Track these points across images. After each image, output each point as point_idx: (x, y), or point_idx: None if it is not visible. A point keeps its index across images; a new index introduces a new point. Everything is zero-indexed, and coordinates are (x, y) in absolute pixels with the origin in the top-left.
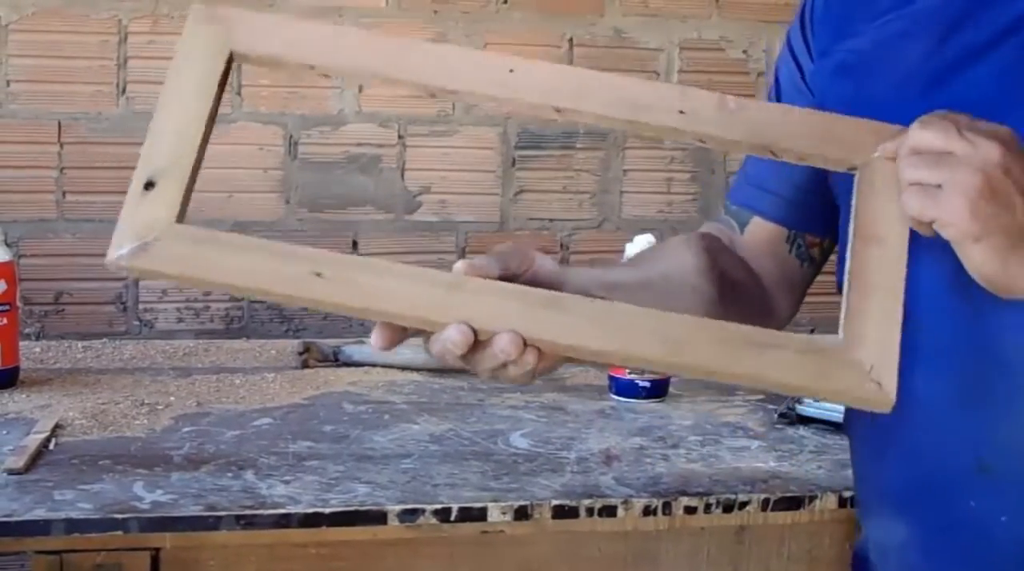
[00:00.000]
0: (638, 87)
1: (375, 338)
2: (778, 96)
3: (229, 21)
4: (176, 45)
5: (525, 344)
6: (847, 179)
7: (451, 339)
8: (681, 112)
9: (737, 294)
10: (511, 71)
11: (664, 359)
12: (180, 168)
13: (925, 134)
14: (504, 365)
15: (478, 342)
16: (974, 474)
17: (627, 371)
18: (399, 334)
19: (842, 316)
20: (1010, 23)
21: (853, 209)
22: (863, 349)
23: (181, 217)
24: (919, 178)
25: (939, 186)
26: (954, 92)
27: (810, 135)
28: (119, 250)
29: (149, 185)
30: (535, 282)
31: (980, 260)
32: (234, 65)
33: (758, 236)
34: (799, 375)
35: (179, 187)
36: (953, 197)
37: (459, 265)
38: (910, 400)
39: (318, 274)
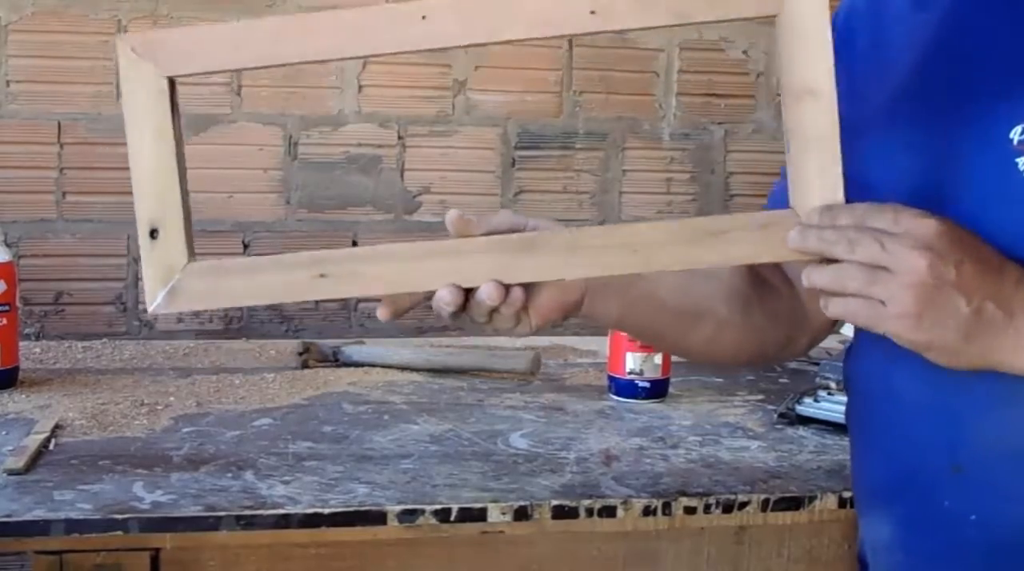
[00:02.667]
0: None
1: (380, 311)
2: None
3: (154, 48)
4: (121, 83)
5: (508, 289)
6: (856, 186)
7: (443, 299)
8: (592, 12)
9: (769, 294)
10: (423, 18)
11: (638, 268)
12: (172, 210)
13: (855, 253)
14: (495, 310)
15: (470, 296)
16: (949, 474)
17: (626, 371)
18: (401, 305)
19: (789, 180)
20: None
21: (781, 63)
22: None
23: (190, 253)
24: (858, 291)
25: (881, 302)
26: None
27: None
28: (155, 301)
29: (154, 233)
30: None
31: (936, 359)
32: (176, 85)
33: None
34: (762, 250)
35: (179, 227)
36: (894, 316)
37: (451, 214)
38: (889, 400)
39: (322, 276)
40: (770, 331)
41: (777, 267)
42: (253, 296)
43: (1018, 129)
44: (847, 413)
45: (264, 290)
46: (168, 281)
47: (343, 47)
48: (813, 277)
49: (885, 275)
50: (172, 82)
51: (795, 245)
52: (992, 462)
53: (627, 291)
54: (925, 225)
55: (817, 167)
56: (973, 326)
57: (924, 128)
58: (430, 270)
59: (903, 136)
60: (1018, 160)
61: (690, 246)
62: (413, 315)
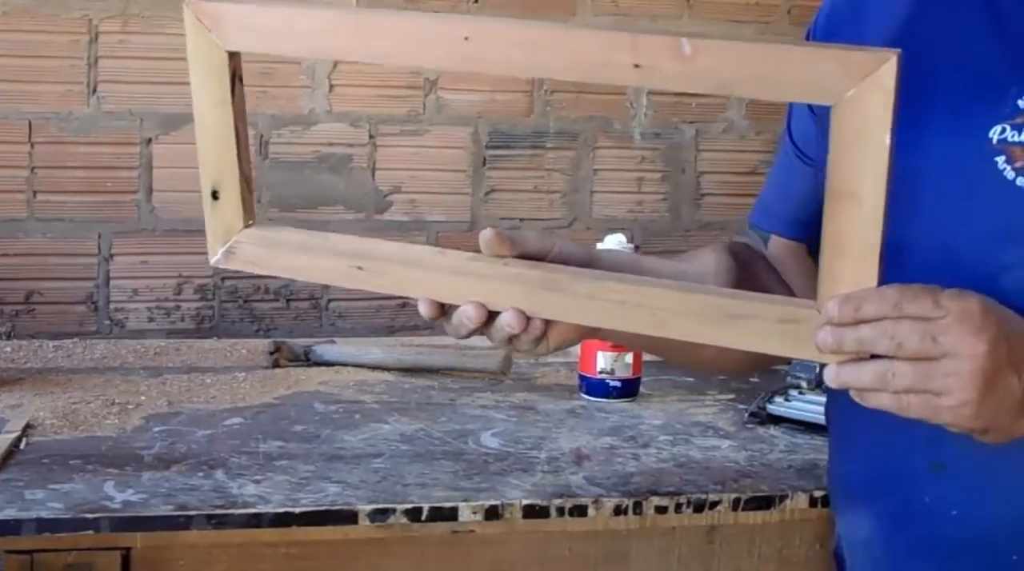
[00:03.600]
0: (591, 41)
1: (422, 308)
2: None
3: (217, 20)
4: (187, 51)
5: (529, 318)
6: None
7: (467, 315)
8: (636, 66)
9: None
10: (466, 39)
11: (652, 331)
12: (231, 175)
13: (904, 350)
14: (514, 336)
15: (492, 316)
16: (930, 472)
17: (597, 371)
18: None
19: (819, 280)
20: None
21: (829, 158)
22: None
23: (248, 217)
24: (910, 388)
25: (938, 395)
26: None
27: (775, 74)
28: (215, 255)
29: (215, 194)
30: (564, 262)
31: (990, 440)
32: (239, 57)
33: (780, 251)
34: (777, 344)
35: (236, 191)
36: (956, 407)
37: (487, 233)
38: None
39: (359, 268)
40: None
41: (775, 270)
42: (296, 272)
43: (997, 128)
44: (826, 410)
45: (306, 269)
46: (226, 241)
47: (394, 53)
48: (848, 378)
49: (940, 367)
50: (233, 55)
51: (829, 348)
52: (973, 460)
53: None
54: (969, 306)
55: (852, 278)
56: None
57: (903, 127)
58: (459, 286)
59: None
60: (997, 159)
61: (707, 323)
62: (384, 314)
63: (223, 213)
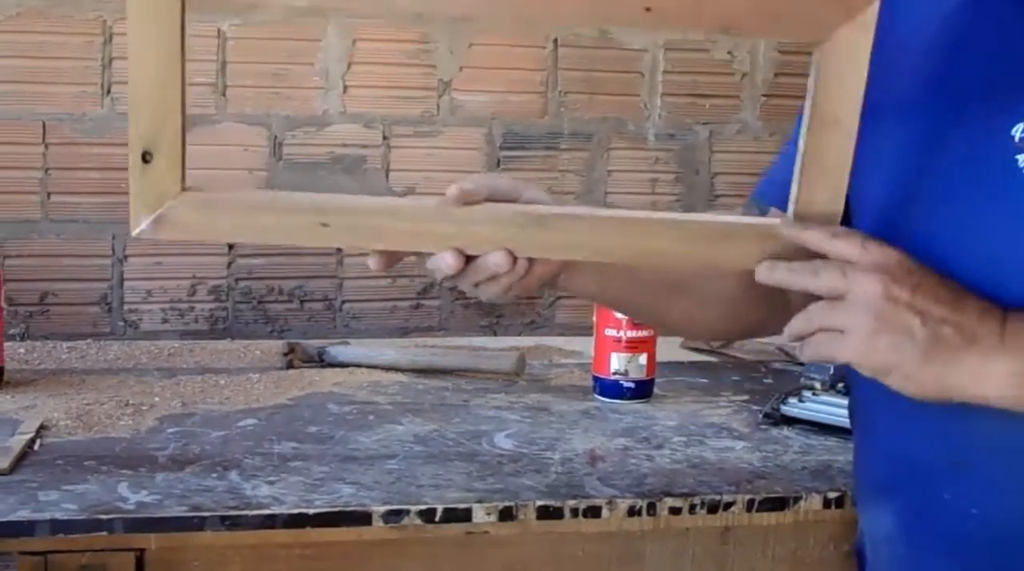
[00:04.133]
0: None
1: (372, 262)
2: None
3: None
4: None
5: (515, 258)
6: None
7: (445, 261)
8: (648, 9)
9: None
10: None
11: (636, 262)
12: (170, 134)
13: (819, 279)
14: (495, 277)
15: (469, 259)
16: (949, 468)
17: (611, 372)
18: (394, 258)
19: (793, 194)
20: None
21: (811, 87)
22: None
23: (183, 181)
24: (821, 324)
25: (842, 331)
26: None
27: (766, 12)
28: (139, 226)
29: (146, 156)
30: None
31: (897, 386)
32: (187, 11)
33: None
34: (755, 261)
35: (175, 154)
36: (852, 341)
37: (452, 189)
38: (891, 394)
39: (324, 225)
40: (746, 310)
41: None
42: (248, 234)
43: (1020, 126)
44: (850, 408)
45: (260, 230)
46: (157, 208)
47: None
48: (793, 328)
49: (842, 304)
50: (183, 4)
51: (764, 278)
52: (993, 457)
53: (605, 267)
54: (886, 253)
55: (826, 195)
56: (931, 348)
57: (928, 122)
58: (438, 233)
59: (907, 129)
60: (1018, 157)
61: (686, 248)
62: (398, 315)
63: (156, 177)
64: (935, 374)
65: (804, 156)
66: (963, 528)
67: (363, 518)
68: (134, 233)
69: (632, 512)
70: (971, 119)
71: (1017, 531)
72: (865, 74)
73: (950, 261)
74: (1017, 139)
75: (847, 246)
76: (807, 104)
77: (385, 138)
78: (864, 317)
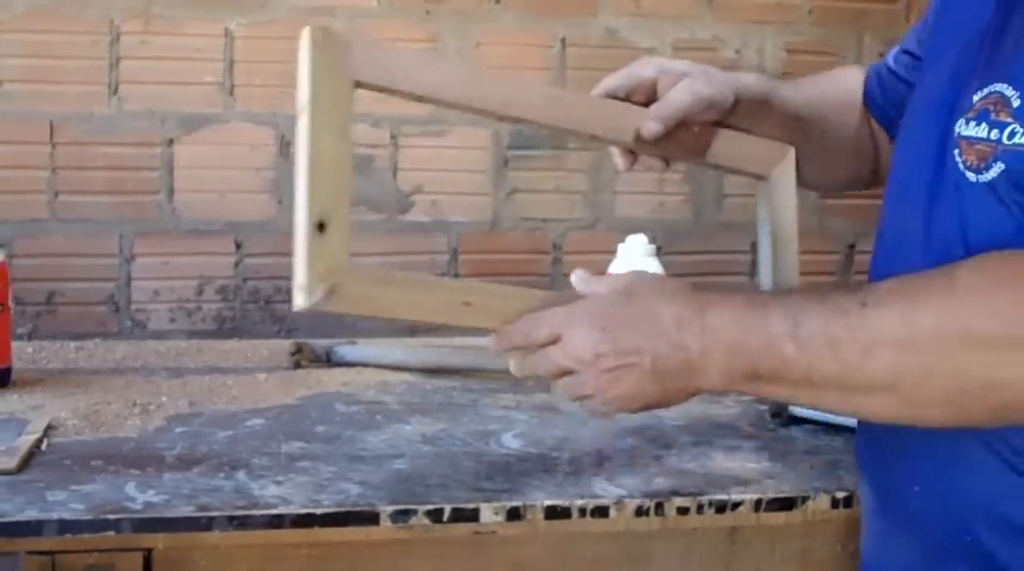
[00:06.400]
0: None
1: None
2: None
3: (349, 49)
4: (298, 69)
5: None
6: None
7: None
8: (636, 140)
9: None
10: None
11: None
12: (342, 209)
13: (541, 364)
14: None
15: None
16: (894, 449)
17: None
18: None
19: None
20: None
21: (765, 211)
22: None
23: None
24: (576, 398)
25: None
26: None
27: (732, 151)
28: (313, 297)
29: (321, 226)
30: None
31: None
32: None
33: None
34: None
35: (345, 227)
36: (608, 403)
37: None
38: None
39: (467, 304)
40: (841, 165)
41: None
42: (405, 310)
43: (961, 121)
44: None
45: (414, 308)
46: (329, 278)
47: (511, 104)
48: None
49: (576, 377)
50: (353, 87)
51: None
52: (929, 434)
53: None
54: (575, 323)
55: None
56: (662, 378)
57: (912, 113)
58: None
59: (903, 123)
60: (954, 152)
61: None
62: None
63: (329, 249)
64: (676, 389)
65: (774, 271)
66: (909, 508)
67: (371, 518)
68: (306, 305)
69: (640, 512)
70: (934, 116)
71: (952, 510)
72: (794, 199)
73: (899, 256)
74: (955, 135)
75: (544, 338)
76: (765, 224)
77: (393, 138)
78: (597, 383)
